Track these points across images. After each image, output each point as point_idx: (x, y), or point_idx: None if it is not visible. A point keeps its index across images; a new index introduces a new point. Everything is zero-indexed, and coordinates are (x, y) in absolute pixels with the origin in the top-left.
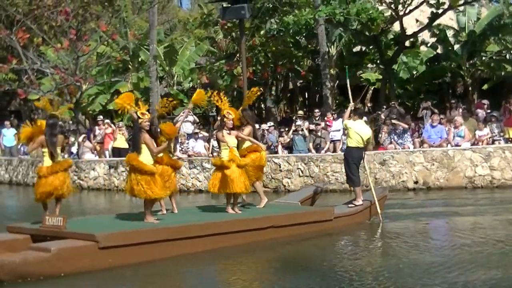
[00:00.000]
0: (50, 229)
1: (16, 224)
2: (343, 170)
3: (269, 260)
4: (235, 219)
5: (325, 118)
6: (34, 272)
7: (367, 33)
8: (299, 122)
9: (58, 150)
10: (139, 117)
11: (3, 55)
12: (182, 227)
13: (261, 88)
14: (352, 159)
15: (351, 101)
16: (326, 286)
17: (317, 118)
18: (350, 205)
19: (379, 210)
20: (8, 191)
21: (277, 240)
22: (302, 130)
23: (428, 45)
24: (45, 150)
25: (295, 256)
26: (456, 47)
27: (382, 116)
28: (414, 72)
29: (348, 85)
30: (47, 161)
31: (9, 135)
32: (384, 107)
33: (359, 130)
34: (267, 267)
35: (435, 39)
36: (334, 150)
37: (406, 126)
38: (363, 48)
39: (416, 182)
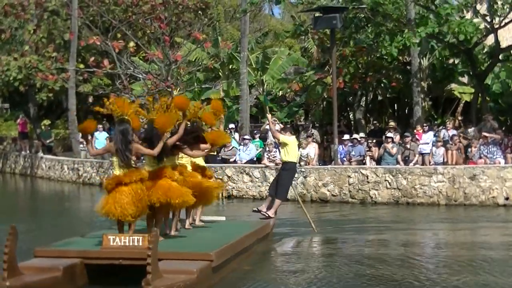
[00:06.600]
0: (121, 250)
1: (53, 247)
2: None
3: None
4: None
5: (414, 131)
6: None
7: (460, 46)
8: (390, 134)
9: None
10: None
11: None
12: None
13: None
14: (294, 173)
15: (269, 119)
16: None
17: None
18: (261, 217)
19: (312, 224)
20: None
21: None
22: (393, 141)
23: None
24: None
25: None
26: None
27: (470, 131)
28: (508, 86)
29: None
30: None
31: (101, 138)
32: (474, 120)
33: (295, 146)
34: None
35: None
36: (423, 163)
37: (498, 137)
38: (455, 61)
39: (507, 199)
